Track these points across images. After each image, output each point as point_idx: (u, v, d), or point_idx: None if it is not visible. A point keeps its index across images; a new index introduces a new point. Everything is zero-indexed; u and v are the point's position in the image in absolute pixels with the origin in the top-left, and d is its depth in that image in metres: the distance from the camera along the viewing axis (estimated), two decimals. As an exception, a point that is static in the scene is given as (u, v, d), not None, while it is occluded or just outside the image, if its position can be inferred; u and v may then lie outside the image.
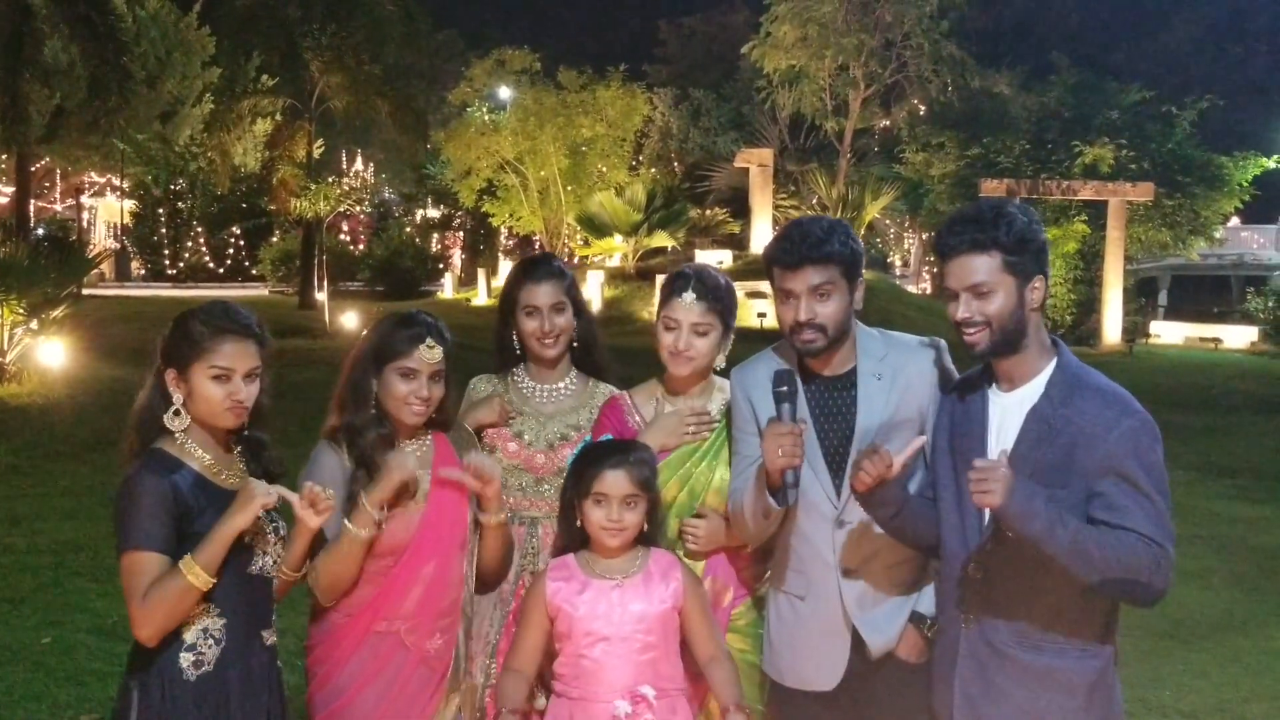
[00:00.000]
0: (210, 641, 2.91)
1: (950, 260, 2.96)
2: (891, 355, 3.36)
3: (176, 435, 2.96)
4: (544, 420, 3.82)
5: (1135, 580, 2.77)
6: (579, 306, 3.88)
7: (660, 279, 11.27)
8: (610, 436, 3.56)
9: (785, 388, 3.12)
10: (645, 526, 3.30)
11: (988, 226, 2.90)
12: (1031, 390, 2.97)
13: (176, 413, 2.96)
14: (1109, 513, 2.79)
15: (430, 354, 3.31)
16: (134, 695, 2.87)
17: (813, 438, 3.31)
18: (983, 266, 2.91)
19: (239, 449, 3.09)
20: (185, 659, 2.88)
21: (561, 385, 3.89)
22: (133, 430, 2.99)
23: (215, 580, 2.80)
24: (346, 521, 3.15)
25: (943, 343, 3.44)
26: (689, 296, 3.54)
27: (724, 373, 3.70)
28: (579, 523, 3.31)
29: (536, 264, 3.93)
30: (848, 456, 3.29)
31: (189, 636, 2.89)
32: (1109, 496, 2.80)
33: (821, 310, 3.22)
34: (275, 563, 3.05)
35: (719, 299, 3.57)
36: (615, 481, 3.24)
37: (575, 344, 3.89)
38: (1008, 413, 2.98)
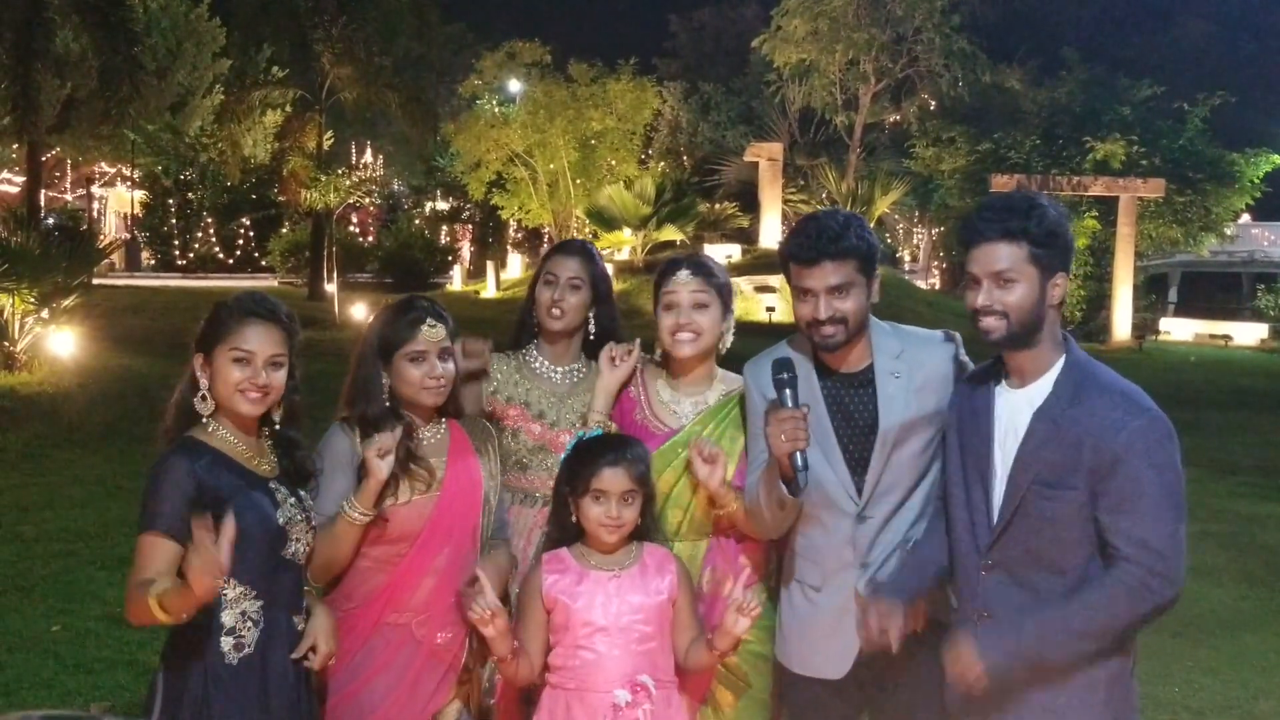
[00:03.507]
0: (249, 624, 2.92)
1: (976, 246, 2.95)
2: (908, 352, 3.35)
3: (206, 421, 2.97)
4: (560, 398, 3.82)
5: (1131, 621, 2.82)
6: (601, 294, 3.90)
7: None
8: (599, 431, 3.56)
9: (785, 374, 3.13)
10: (640, 521, 3.31)
11: (1020, 216, 2.89)
12: (1040, 388, 2.95)
13: (204, 397, 2.97)
14: (1110, 515, 2.79)
15: (433, 332, 3.34)
16: (159, 681, 2.88)
17: (830, 434, 3.33)
18: (1008, 255, 2.90)
19: (270, 444, 3.10)
20: (226, 643, 2.89)
21: (574, 367, 3.90)
22: (167, 418, 3.01)
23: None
24: (344, 505, 3.17)
25: (958, 336, 3.44)
26: (684, 274, 3.58)
27: (724, 364, 3.72)
28: (574, 518, 3.31)
29: (569, 241, 4.05)
30: (870, 454, 3.30)
31: (228, 620, 2.90)
32: (1113, 497, 2.80)
33: (841, 306, 3.21)
34: (306, 549, 3.07)
35: (714, 275, 3.62)
36: (614, 478, 3.24)
37: (593, 334, 3.88)
38: (1017, 410, 2.97)
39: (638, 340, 3.79)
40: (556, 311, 3.81)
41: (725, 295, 3.64)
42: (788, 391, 3.11)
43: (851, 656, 3.34)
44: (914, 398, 3.30)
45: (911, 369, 3.32)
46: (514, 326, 4.00)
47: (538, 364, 3.90)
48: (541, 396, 3.82)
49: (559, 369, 3.89)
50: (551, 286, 3.83)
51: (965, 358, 3.38)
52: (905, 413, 3.29)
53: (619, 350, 3.72)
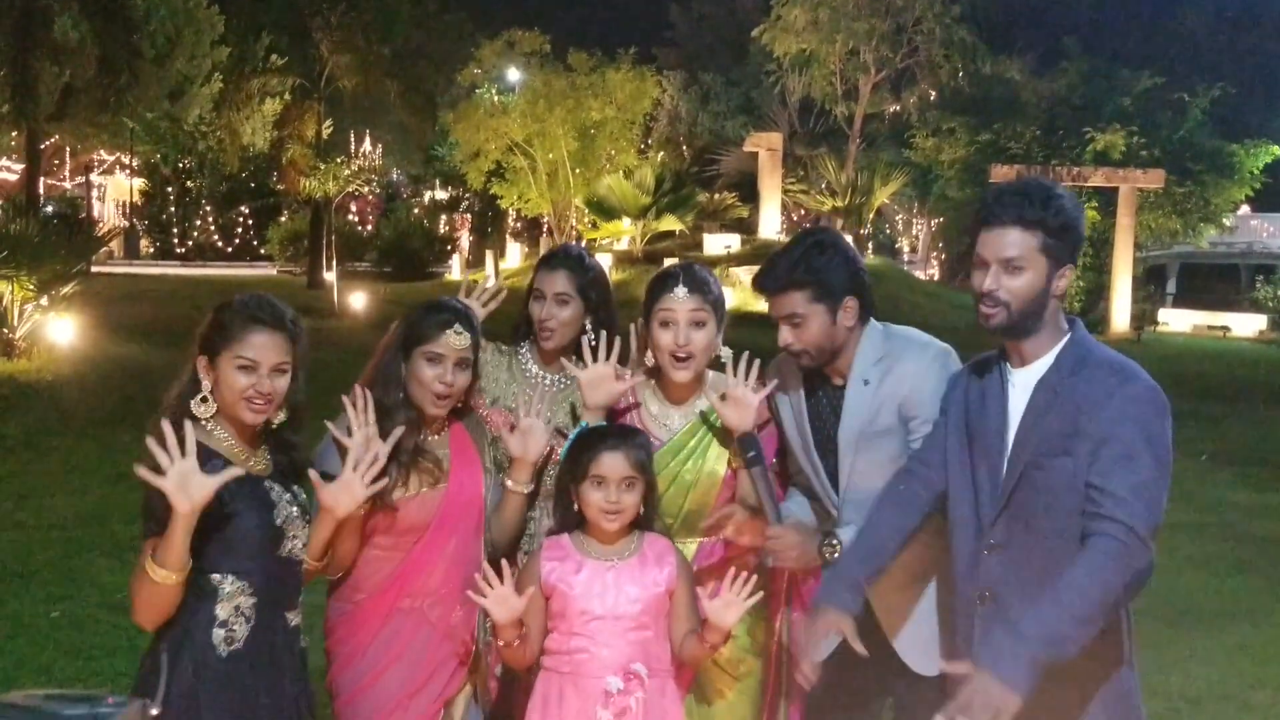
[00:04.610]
0: (242, 619, 2.93)
1: (989, 229, 2.95)
2: (887, 359, 3.39)
3: (204, 422, 2.95)
4: (545, 402, 3.77)
5: (1127, 587, 2.78)
6: (595, 304, 3.80)
7: (668, 262, 11.22)
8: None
9: (751, 453, 3.28)
10: (641, 510, 3.32)
11: (1038, 205, 2.89)
12: (1043, 364, 2.98)
13: (204, 399, 2.95)
14: (1100, 476, 2.78)
15: (457, 340, 3.33)
16: (163, 662, 2.86)
17: (810, 445, 3.48)
18: (1021, 242, 2.90)
19: (265, 446, 3.09)
20: (218, 635, 2.90)
21: (563, 375, 3.83)
22: (163, 415, 2.94)
23: (182, 574, 2.76)
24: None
25: (948, 350, 3.44)
26: (681, 290, 3.51)
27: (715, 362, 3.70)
28: (576, 507, 3.33)
29: (556, 253, 3.92)
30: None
31: (221, 613, 2.90)
32: (1103, 461, 2.79)
33: (796, 335, 3.33)
34: (303, 546, 3.07)
35: (710, 290, 3.56)
36: (613, 463, 3.25)
37: (592, 342, 3.72)
38: (1021, 390, 2.99)
39: (640, 373, 3.71)
40: (547, 333, 3.76)
41: (720, 309, 3.59)
42: (756, 469, 3.32)
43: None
44: (875, 405, 3.35)
45: (883, 376, 3.36)
46: (514, 319, 3.94)
47: (528, 367, 3.86)
48: (527, 402, 3.73)
49: (549, 376, 3.85)
50: (540, 303, 3.78)
51: (953, 368, 3.37)
52: (862, 418, 3.37)
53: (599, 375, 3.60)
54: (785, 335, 3.36)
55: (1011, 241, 2.91)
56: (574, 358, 3.74)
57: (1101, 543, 2.75)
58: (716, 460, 3.56)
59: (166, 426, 2.74)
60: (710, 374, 3.66)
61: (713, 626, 3.17)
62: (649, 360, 3.67)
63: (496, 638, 3.20)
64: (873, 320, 3.46)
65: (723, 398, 3.46)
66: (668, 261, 14.70)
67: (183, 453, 2.72)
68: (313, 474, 3.05)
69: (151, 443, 2.73)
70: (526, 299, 3.88)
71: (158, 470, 2.71)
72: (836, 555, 3.28)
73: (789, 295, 3.33)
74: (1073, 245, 2.95)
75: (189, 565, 2.77)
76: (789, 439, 3.59)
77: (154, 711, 2.53)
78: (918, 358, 3.36)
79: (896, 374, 3.34)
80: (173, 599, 2.80)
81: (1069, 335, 2.99)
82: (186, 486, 2.70)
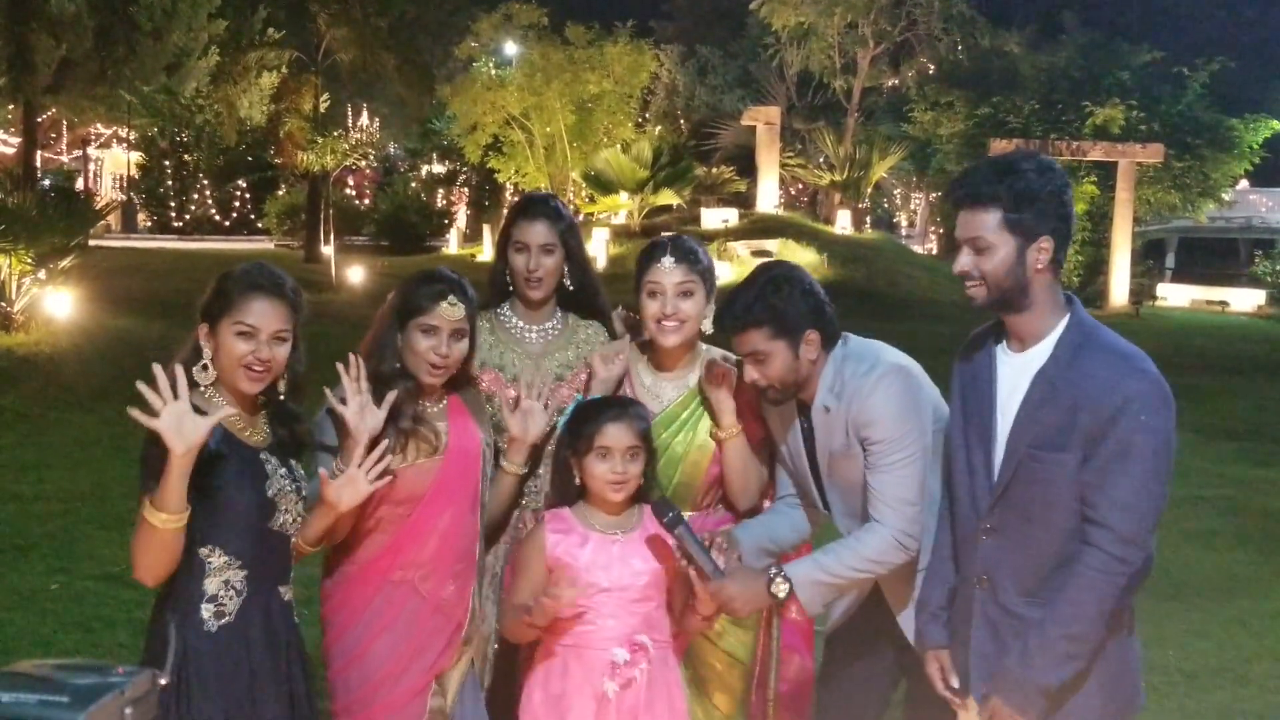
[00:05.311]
0: (232, 593, 2.92)
1: (958, 211, 2.95)
2: (839, 384, 3.36)
3: (204, 390, 2.94)
4: (534, 360, 3.77)
5: (1125, 591, 2.81)
6: (573, 250, 3.82)
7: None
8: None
9: (669, 516, 3.23)
10: (642, 480, 3.33)
11: (991, 181, 2.86)
12: (1041, 351, 2.93)
13: (204, 367, 2.95)
14: (1095, 475, 2.77)
15: (451, 311, 3.30)
16: (170, 632, 2.86)
17: (805, 466, 3.50)
18: (982, 221, 2.87)
19: (265, 415, 3.08)
20: (206, 609, 2.89)
21: (549, 325, 3.85)
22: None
23: (180, 517, 2.73)
24: (334, 468, 3.14)
25: (898, 368, 3.36)
26: (668, 261, 3.53)
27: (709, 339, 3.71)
28: (577, 480, 3.33)
29: (533, 202, 3.89)
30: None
31: (210, 587, 2.90)
32: (1101, 459, 2.77)
33: (761, 372, 3.32)
34: (295, 521, 3.06)
35: (698, 260, 3.58)
36: (618, 434, 3.25)
37: (568, 286, 3.83)
38: (1018, 374, 2.95)
39: (627, 338, 3.77)
40: (534, 283, 3.75)
41: (709, 279, 3.60)
42: (680, 529, 3.23)
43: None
44: (839, 428, 3.34)
45: (837, 401, 3.34)
46: (488, 285, 3.91)
47: (512, 324, 3.85)
48: (516, 359, 3.76)
49: (534, 329, 3.84)
50: (524, 254, 3.75)
51: (907, 390, 3.32)
52: (830, 444, 3.37)
53: (610, 352, 3.68)
54: (750, 372, 3.35)
55: (975, 222, 2.88)
56: (553, 304, 3.85)
57: (1093, 558, 2.78)
58: (708, 432, 3.58)
59: (157, 369, 2.72)
60: (703, 348, 3.67)
61: (704, 601, 3.20)
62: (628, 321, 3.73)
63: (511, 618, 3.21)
64: (838, 343, 3.41)
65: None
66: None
67: (175, 394, 2.70)
68: (321, 472, 3.05)
69: (142, 385, 2.70)
70: (502, 253, 3.85)
71: (152, 414, 2.69)
72: (787, 591, 3.23)
73: (748, 334, 3.31)
74: (1042, 216, 2.85)
75: (187, 511, 2.74)
76: (783, 454, 3.61)
77: (163, 681, 2.53)
78: (862, 380, 3.31)
79: (845, 397, 3.32)
80: (173, 548, 2.78)
81: (1067, 319, 2.93)
82: (181, 427, 2.68)
